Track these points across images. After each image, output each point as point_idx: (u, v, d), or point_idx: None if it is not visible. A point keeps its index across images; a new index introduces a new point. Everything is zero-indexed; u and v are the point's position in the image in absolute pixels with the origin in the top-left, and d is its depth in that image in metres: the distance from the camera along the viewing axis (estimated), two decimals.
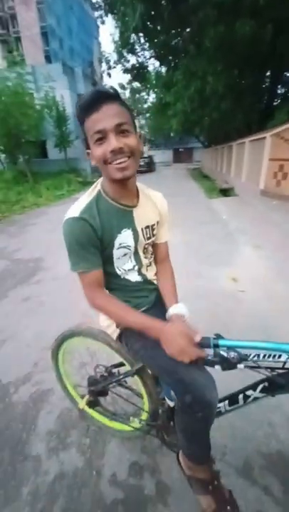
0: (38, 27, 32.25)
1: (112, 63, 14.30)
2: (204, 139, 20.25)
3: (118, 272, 0.86)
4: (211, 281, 2.81)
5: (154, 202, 0.91)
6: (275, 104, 10.75)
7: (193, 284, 2.75)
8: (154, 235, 0.91)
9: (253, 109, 9.36)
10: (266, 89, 9.96)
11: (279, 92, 11.27)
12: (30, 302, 2.63)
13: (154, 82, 17.30)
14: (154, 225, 0.90)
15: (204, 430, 0.77)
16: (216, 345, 0.68)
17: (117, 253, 0.82)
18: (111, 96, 0.66)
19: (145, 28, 8.03)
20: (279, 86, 10.86)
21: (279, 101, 11.44)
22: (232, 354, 0.66)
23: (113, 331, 0.94)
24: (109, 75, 15.65)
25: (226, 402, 0.81)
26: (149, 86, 19.05)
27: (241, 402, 0.78)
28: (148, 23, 7.35)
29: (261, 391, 0.74)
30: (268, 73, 9.61)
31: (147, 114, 28.81)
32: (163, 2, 6.33)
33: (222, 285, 2.73)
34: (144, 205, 0.86)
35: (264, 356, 0.67)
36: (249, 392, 0.76)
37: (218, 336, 0.70)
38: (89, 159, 0.75)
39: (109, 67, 14.53)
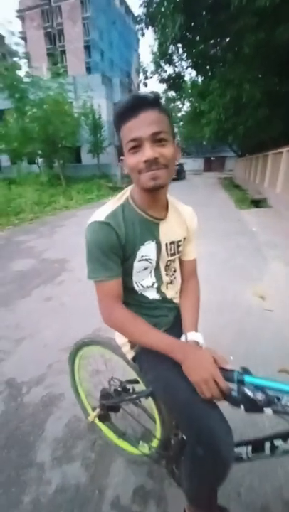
0: (82, 41, 34.31)
1: (149, 73, 14.63)
2: (237, 148, 19.78)
3: (136, 288, 0.81)
4: (236, 297, 2.65)
5: (183, 217, 0.86)
6: None
7: (217, 299, 2.61)
8: (178, 252, 0.86)
9: None
10: None
11: None
12: (52, 302, 2.69)
13: (189, 91, 17.37)
14: (180, 241, 0.85)
15: (214, 484, 0.68)
16: (241, 381, 0.59)
17: (137, 266, 0.77)
18: (150, 102, 0.63)
19: (184, 39, 8.11)
20: None
21: None
22: (259, 395, 0.56)
23: (127, 351, 0.87)
24: (145, 84, 16.02)
25: (249, 447, 0.69)
26: (184, 95, 19.18)
27: (268, 451, 0.66)
28: (187, 33, 7.41)
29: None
30: None
31: (181, 123, 28.94)
32: (203, 12, 6.35)
33: (248, 302, 2.56)
34: (172, 220, 0.82)
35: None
36: (278, 442, 0.64)
37: (245, 371, 0.61)
38: (120, 166, 0.72)
39: (146, 78, 14.86)
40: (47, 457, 1.23)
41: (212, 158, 39.49)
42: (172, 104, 24.05)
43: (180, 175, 22.70)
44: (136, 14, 12.49)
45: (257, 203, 8.38)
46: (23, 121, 11.99)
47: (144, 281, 0.81)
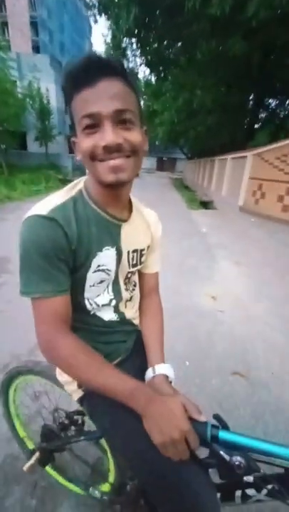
0: (28, 16, 31.15)
1: None
2: (188, 150, 20.79)
3: (88, 307, 0.63)
4: (190, 299, 2.67)
5: (147, 222, 0.73)
6: (256, 126, 11.31)
7: (171, 301, 2.58)
8: (141, 263, 0.72)
9: (237, 127, 9.74)
10: (250, 110, 10.46)
11: (260, 116, 11.94)
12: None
13: (142, 89, 17.44)
14: (143, 250, 0.71)
15: None
16: (215, 438, 0.47)
17: (92, 278, 0.60)
18: (113, 68, 0.46)
19: (138, 34, 8.00)
20: (260, 110, 11.50)
21: (260, 124, 12.09)
22: (237, 459, 0.44)
23: (73, 391, 0.69)
24: None
25: (218, 495, 0.57)
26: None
27: (238, 501, 0.56)
28: (142, 30, 7.32)
29: (268, 494, 0.51)
30: (251, 96, 10.12)
31: None
32: (158, 11, 6.34)
33: (201, 303, 2.60)
34: (136, 223, 0.68)
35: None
36: (251, 492, 0.53)
37: (219, 422, 0.49)
38: (72, 156, 0.53)
39: None
40: None
41: (164, 159, 40.81)
42: None
43: None
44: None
45: (205, 205, 8.89)
46: None
47: (98, 298, 0.64)
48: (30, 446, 1.05)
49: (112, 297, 0.66)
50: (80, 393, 0.68)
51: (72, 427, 0.84)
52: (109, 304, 0.66)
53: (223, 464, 0.46)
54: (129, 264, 0.67)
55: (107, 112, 0.46)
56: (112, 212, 0.60)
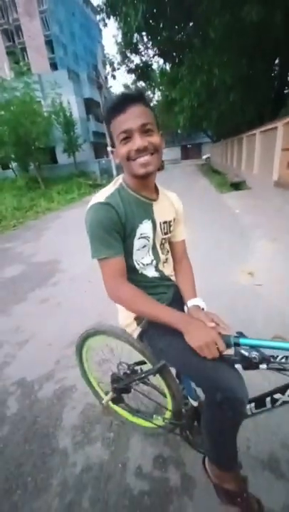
0: (42, 36, 32.91)
1: (116, 65, 14.37)
2: (213, 133, 19.92)
3: (136, 266, 0.87)
4: (227, 277, 2.77)
5: (170, 200, 0.97)
6: (286, 91, 10.37)
7: (208, 281, 2.71)
8: (170, 231, 0.95)
9: (264, 98, 9.10)
10: (276, 77, 9.65)
11: None
12: (48, 304, 2.71)
13: (158, 80, 17.22)
14: (171, 221, 0.94)
15: (233, 431, 0.74)
16: (237, 344, 0.67)
17: (137, 244, 0.84)
18: (136, 97, 0.72)
19: (148, 27, 8.01)
20: None
21: None
22: (254, 354, 0.64)
23: (134, 330, 0.93)
24: (113, 76, 15.78)
25: (253, 404, 0.78)
26: (154, 84, 18.98)
27: (269, 405, 0.75)
28: (150, 21, 7.32)
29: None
30: (277, 61, 9.32)
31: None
32: None
33: (238, 280, 2.69)
34: (163, 201, 0.91)
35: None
36: (277, 396, 0.73)
37: (240, 335, 0.69)
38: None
39: (114, 69, 14.61)
40: (68, 443, 1.30)
41: (188, 146, 39.60)
42: None
43: None
44: (95, 4, 12.16)
45: (237, 186, 8.58)
46: None
47: (143, 260, 0.88)
48: (103, 395, 1.33)
49: (153, 258, 0.90)
50: (138, 330, 0.91)
51: (134, 375, 1.08)
52: (151, 264, 0.90)
53: (244, 359, 0.65)
54: (162, 232, 0.90)
55: (136, 126, 0.71)
56: (144, 195, 0.85)
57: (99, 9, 11.22)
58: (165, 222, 0.91)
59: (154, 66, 16.38)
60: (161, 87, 19.35)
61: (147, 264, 0.89)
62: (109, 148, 0.83)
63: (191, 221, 4.93)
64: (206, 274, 2.89)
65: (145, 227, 0.84)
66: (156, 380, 1.06)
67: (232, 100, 8.14)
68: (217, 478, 0.85)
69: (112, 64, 15.07)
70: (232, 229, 4.35)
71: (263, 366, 0.64)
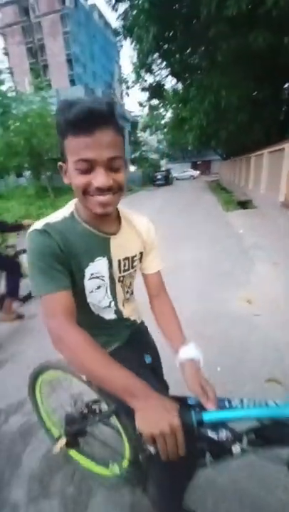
0: (64, 55, 34.85)
1: (130, 83, 14.93)
2: (222, 151, 20.17)
3: (92, 309, 0.76)
4: (223, 304, 2.61)
5: (138, 230, 0.80)
6: None
7: (203, 307, 2.57)
8: (133, 267, 0.81)
9: (272, 119, 9.18)
10: (285, 100, 9.78)
11: None
12: (35, 320, 2.59)
13: (171, 98, 17.74)
14: (134, 256, 0.79)
15: (180, 487, 0.70)
16: (200, 422, 0.48)
17: (89, 285, 0.71)
18: (107, 117, 0.54)
19: (160, 49, 8.30)
20: None
21: None
22: (223, 434, 0.47)
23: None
24: (127, 94, 16.34)
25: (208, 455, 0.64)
26: (166, 102, 19.57)
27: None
28: (162, 43, 7.58)
29: (249, 444, 0.56)
30: (287, 85, 9.47)
31: (165, 129, 29.48)
32: (177, 22, 6.52)
33: (235, 308, 2.52)
34: (126, 234, 0.76)
35: (249, 405, 0.51)
36: (234, 448, 0.59)
37: (198, 405, 0.52)
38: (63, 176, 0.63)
39: (128, 87, 15.16)
40: (22, 497, 1.14)
41: (198, 162, 40.20)
42: (155, 112, 24.51)
43: (168, 180, 23.01)
44: (114, 27, 12.82)
45: (243, 205, 8.49)
46: (7, 136, 11.98)
47: (100, 303, 0.76)
48: (56, 434, 1.19)
49: (111, 299, 0.78)
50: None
51: (91, 415, 0.96)
52: (109, 306, 0.78)
53: (213, 445, 0.49)
54: (120, 270, 0.76)
55: (102, 159, 0.55)
56: (101, 229, 0.70)
57: (116, 32, 11.83)
58: (126, 259, 0.77)
59: (167, 85, 16.94)
60: (173, 106, 19.91)
61: (105, 307, 0.77)
62: (59, 163, 0.64)
63: (192, 240, 4.83)
64: (201, 298, 2.74)
65: (98, 266, 0.71)
66: (115, 421, 0.92)
67: (240, 120, 8.21)
68: None
69: (126, 82, 15.68)
70: (233, 250, 4.21)
71: (237, 449, 0.47)
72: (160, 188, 19.62)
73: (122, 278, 0.79)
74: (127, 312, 0.85)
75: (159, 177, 23.16)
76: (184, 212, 7.89)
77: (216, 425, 0.51)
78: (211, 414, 0.50)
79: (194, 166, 40.60)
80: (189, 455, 0.49)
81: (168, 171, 25.07)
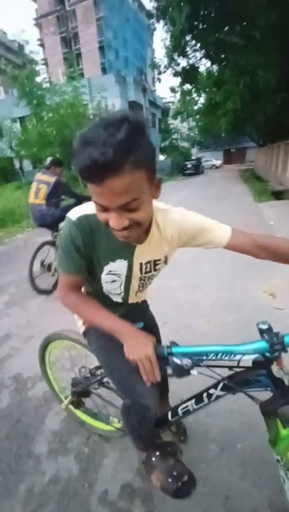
0: (97, 42, 34.66)
1: (162, 68, 14.49)
2: (258, 137, 18.89)
3: (103, 289, 0.83)
4: (245, 295, 2.56)
5: (167, 239, 0.75)
6: None
7: (225, 296, 2.55)
8: (156, 270, 0.82)
9: None
10: None
11: None
12: (60, 302, 2.78)
13: (205, 81, 16.89)
14: (158, 260, 0.80)
15: (144, 430, 0.86)
16: (170, 353, 0.67)
17: (105, 278, 0.77)
18: (117, 166, 0.47)
19: (194, 29, 7.89)
20: None
21: None
22: (185, 361, 0.65)
23: (80, 326, 0.98)
24: (159, 80, 15.90)
25: (193, 401, 0.85)
26: (199, 87, 18.68)
27: (206, 400, 0.81)
28: (197, 23, 7.18)
29: (222, 389, 0.76)
30: None
31: (197, 116, 28.28)
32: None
33: (257, 300, 2.46)
34: (153, 241, 0.74)
35: (219, 357, 0.66)
36: (212, 391, 0.78)
37: (173, 344, 0.69)
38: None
39: (160, 73, 14.74)
40: (44, 450, 1.30)
41: (232, 150, 38.10)
42: (188, 98, 23.55)
43: (198, 169, 22.25)
44: (148, 9, 12.42)
45: (278, 195, 7.95)
46: (41, 127, 12.47)
47: (112, 291, 0.83)
48: (63, 397, 1.34)
49: (123, 292, 0.83)
50: (83, 328, 0.96)
51: (93, 378, 1.09)
52: (119, 295, 0.84)
53: (176, 368, 0.65)
54: (141, 272, 0.79)
55: (113, 207, 0.53)
56: None
57: (151, 13, 11.45)
58: (149, 262, 0.78)
59: (202, 68, 16.15)
60: (206, 90, 18.94)
61: (115, 294, 0.84)
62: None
63: None
64: (224, 288, 2.72)
65: (117, 266, 0.75)
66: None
67: (279, 102, 7.58)
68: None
69: (158, 67, 15.22)
70: None
71: (194, 372, 0.65)
72: (189, 178, 19.08)
73: (143, 278, 0.82)
74: (133, 300, 0.90)
75: (188, 166, 22.45)
76: (212, 202, 7.64)
77: (181, 356, 0.66)
78: (178, 348, 0.67)
79: (228, 154, 38.62)
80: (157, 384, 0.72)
81: (198, 160, 24.18)
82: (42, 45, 39.12)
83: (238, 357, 0.65)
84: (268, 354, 0.63)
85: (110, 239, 0.68)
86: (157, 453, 0.91)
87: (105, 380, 1.07)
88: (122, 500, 1.07)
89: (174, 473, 0.86)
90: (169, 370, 0.67)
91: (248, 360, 0.66)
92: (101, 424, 1.29)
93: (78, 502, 1.08)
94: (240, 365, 0.67)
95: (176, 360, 0.65)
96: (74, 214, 0.68)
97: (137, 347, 0.67)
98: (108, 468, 1.19)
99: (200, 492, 1.01)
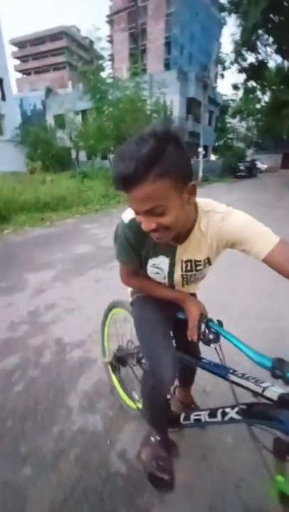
0: (163, 38, 34.73)
1: (227, 64, 14.00)
2: None
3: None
4: (282, 304, 2.45)
5: (207, 238, 0.76)
6: None
7: (260, 304, 2.48)
8: (197, 270, 0.85)
9: None
10: None
11: None
12: (100, 284, 3.02)
13: (273, 78, 15.82)
14: (198, 261, 0.82)
15: (156, 400, 0.94)
16: (208, 326, 0.78)
17: (150, 269, 0.88)
18: (139, 179, 0.55)
19: (269, 22, 7.45)
20: None
21: None
22: (211, 335, 0.76)
23: (129, 297, 1.12)
24: (222, 76, 15.42)
25: (207, 412, 0.85)
26: (266, 84, 17.55)
27: (219, 417, 0.78)
28: (272, 15, 6.76)
29: (237, 413, 0.70)
30: None
31: (258, 115, 26.63)
32: None
33: None
34: (195, 241, 0.77)
35: (247, 377, 0.67)
36: (227, 410, 0.76)
37: (219, 322, 0.79)
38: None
39: (224, 68, 14.27)
40: (75, 404, 1.48)
41: None
42: (251, 96, 22.29)
43: (251, 172, 21.07)
44: (221, 1, 12.10)
45: None
46: (100, 120, 13.11)
47: (157, 279, 0.92)
48: (107, 355, 1.52)
49: (167, 283, 0.91)
50: (131, 299, 1.11)
51: (134, 352, 1.23)
52: (164, 282, 0.93)
53: (204, 336, 0.78)
54: (182, 270, 0.85)
55: (141, 211, 0.62)
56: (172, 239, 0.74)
57: (223, 7, 11.14)
58: (189, 261, 0.82)
59: (271, 64, 15.16)
60: (273, 87, 17.71)
61: (160, 281, 0.92)
62: None
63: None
64: (260, 295, 2.64)
65: (159, 261, 0.84)
66: None
67: None
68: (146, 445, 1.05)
69: (223, 63, 14.74)
70: None
71: (212, 346, 0.75)
72: (241, 181, 18.13)
73: (184, 276, 0.87)
74: (180, 289, 0.96)
75: (241, 168, 21.35)
76: (263, 209, 7.24)
77: (214, 331, 0.76)
78: (215, 325, 0.77)
79: (287, 159, 35.60)
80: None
81: (253, 162, 22.85)
82: (111, 41, 40.66)
83: (265, 384, 0.62)
84: None
85: (150, 238, 0.74)
86: (158, 438, 1.02)
87: (143, 361, 1.13)
88: (138, 461, 1.19)
89: (160, 464, 1.00)
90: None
91: (274, 393, 0.59)
92: (126, 396, 1.41)
93: (100, 452, 1.23)
94: (264, 393, 0.61)
95: (207, 332, 0.77)
96: (126, 216, 0.78)
97: (192, 306, 0.84)
98: (128, 433, 1.32)
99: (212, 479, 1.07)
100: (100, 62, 16.22)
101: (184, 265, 0.83)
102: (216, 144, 27.21)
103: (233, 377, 0.69)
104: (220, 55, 14.69)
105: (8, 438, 1.31)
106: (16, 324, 2.27)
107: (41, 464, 1.18)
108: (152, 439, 1.03)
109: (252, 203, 8.45)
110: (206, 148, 20.41)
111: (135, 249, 0.83)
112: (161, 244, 0.77)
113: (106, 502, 1.05)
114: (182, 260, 0.82)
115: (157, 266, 0.85)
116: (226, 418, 0.74)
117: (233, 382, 0.69)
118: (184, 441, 1.24)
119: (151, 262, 0.85)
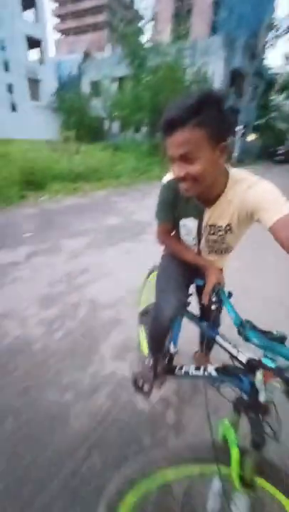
0: None
1: (281, 31, 12.47)
2: None
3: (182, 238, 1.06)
4: None
5: (231, 206, 0.80)
6: None
7: (269, 311, 2.52)
8: (218, 235, 0.91)
9: None
10: None
11: None
12: (130, 255, 3.18)
13: None
14: (220, 226, 0.88)
15: (155, 329, 1.06)
16: (219, 296, 0.84)
17: (181, 230, 1.01)
18: (183, 121, 0.64)
19: None
20: None
21: None
22: (213, 306, 0.83)
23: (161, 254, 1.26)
24: (272, 45, 13.83)
25: (194, 367, 0.98)
26: None
27: (202, 372, 0.91)
28: None
29: (216, 370, 0.83)
30: None
31: None
32: None
33: None
34: (220, 207, 0.83)
35: (229, 341, 0.78)
36: (209, 368, 0.87)
37: (230, 293, 0.87)
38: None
39: (277, 36, 12.75)
40: (107, 352, 1.71)
41: None
42: None
43: None
44: None
45: None
46: (137, 89, 12.58)
47: (188, 242, 1.04)
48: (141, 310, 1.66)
49: (196, 246, 1.03)
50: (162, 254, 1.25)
51: None
52: (193, 246, 1.04)
53: (211, 302, 0.85)
54: (208, 232, 0.94)
55: (175, 155, 0.70)
56: (201, 198, 0.85)
57: None
58: (213, 226, 0.90)
59: None
60: None
61: (191, 245, 1.04)
62: None
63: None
64: (268, 303, 2.65)
65: (188, 222, 0.95)
66: None
67: None
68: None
69: (277, 29, 13.16)
70: None
71: (213, 307, 0.84)
72: (280, 167, 16.84)
73: (207, 240, 0.96)
74: (206, 257, 1.05)
75: (280, 152, 19.82)
76: None
77: (219, 300, 0.84)
78: (224, 295, 0.82)
79: None
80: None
81: None
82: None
83: (240, 349, 0.72)
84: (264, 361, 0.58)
85: (188, 200, 0.89)
86: (151, 362, 1.16)
87: None
88: (160, 405, 1.39)
89: (145, 375, 1.18)
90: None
91: (244, 356, 0.69)
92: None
93: (127, 393, 1.44)
94: (238, 356, 0.71)
95: (214, 300, 0.84)
96: (166, 178, 0.94)
97: (212, 274, 0.92)
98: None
99: None
100: (141, 23, 15.17)
101: (208, 229, 0.92)
102: (256, 122, 25.12)
103: (218, 339, 0.81)
104: (274, 20, 13.09)
105: (51, 372, 1.56)
106: (55, 281, 2.52)
107: (79, 394, 1.42)
108: (146, 362, 1.20)
109: (285, 190, 7.89)
110: (245, 127, 18.94)
111: (171, 208, 0.95)
112: (191, 206, 0.90)
113: (132, 431, 1.26)
114: (208, 224, 0.91)
115: (186, 225, 0.97)
116: (206, 373, 0.88)
117: (218, 343, 0.82)
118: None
119: (182, 222, 0.97)
